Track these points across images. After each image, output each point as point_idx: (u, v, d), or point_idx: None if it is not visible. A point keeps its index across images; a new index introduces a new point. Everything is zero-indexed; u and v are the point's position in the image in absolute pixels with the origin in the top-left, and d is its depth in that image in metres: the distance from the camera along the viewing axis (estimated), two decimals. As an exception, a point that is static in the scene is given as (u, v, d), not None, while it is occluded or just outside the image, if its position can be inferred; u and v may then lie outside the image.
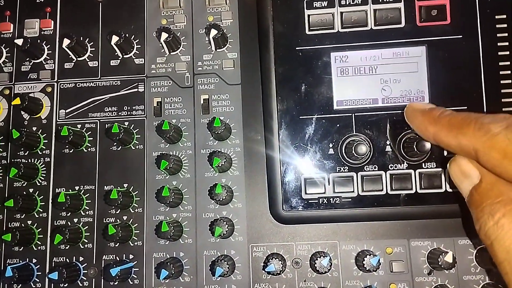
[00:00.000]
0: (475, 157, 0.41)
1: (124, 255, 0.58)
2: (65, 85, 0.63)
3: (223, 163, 0.56)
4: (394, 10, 0.57)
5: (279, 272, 0.55)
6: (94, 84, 0.62)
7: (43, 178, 0.60)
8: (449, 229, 0.56)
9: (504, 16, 0.56)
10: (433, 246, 0.55)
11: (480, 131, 0.40)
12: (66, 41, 0.60)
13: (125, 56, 0.63)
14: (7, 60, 0.64)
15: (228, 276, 0.56)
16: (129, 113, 0.61)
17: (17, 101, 0.59)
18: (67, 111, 0.62)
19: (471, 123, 0.41)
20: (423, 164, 0.55)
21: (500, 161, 0.39)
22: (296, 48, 0.57)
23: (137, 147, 0.60)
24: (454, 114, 0.45)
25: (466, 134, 0.42)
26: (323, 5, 0.57)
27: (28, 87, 0.63)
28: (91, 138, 0.61)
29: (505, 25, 0.55)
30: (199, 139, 0.60)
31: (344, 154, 0.55)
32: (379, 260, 0.53)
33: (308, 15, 0.57)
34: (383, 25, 0.57)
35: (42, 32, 0.64)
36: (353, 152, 0.53)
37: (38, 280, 0.58)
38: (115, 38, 0.59)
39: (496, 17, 0.56)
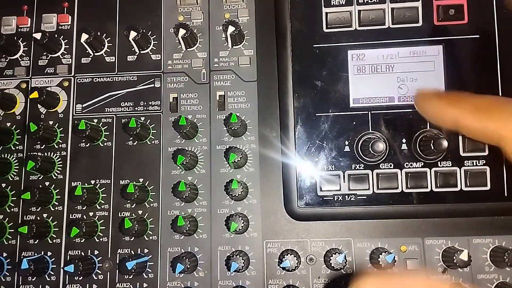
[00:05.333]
0: (498, 143, 0.39)
1: (139, 249, 0.58)
2: (82, 80, 0.63)
3: (239, 159, 0.56)
4: (411, 9, 0.57)
5: (294, 268, 0.55)
6: (111, 79, 0.63)
7: (59, 172, 0.61)
8: (463, 228, 0.56)
9: (522, 16, 0.56)
10: (448, 245, 0.56)
11: (511, 117, 0.38)
12: (84, 36, 0.60)
13: (142, 52, 0.63)
14: (24, 54, 0.64)
15: (242, 271, 0.56)
16: (145, 108, 0.62)
17: (34, 95, 0.59)
18: (83, 105, 0.62)
19: (501, 107, 0.39)
20: (439, 162, 0.55)
21: None
22: (313, 46, 0.58)
23: (152, 142, 0.61)
24: (479, 96, 0.42)
25: (493, 118, 0.39)
26: (341, 3, 0.57)
27: (45, 81, 0.63)
28: (107, 133, 0.61)
29: (522, 25, 0.56)
30: (215, 135, 0.60)
31: (360, 151, 0.55)
32: (394, 257, 0.53)
33: (326, 13, 0.58)
34: (400, 23, 0.57)
35: (60, 27, 0.65)
36: (370, 149, 0.53)
37: (52, 273, 0.59)
38: (133, 34, 0.59)
39: (514, 17, 0.56)
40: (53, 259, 0.59)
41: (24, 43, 0.65)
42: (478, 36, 0.56)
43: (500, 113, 0.39)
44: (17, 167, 0.61)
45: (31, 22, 0.65)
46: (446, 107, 0.44)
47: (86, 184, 0.60)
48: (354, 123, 0.56)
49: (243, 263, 0.55)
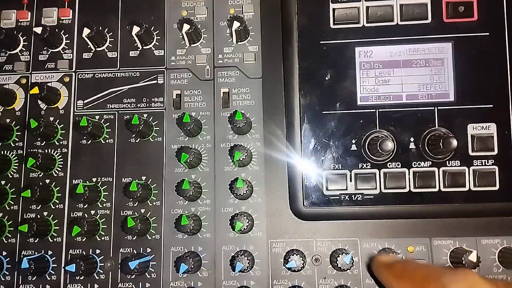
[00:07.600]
0: None
1: (141, 248, 0.57)
2: (83, 76, 0.62)
3: (244, 158, 0.55)
4: (420, 5, 0.56)
5: (299, 268, 0.54)
6: (113, 75, 0.61)
7: (60, 169, 0.60)
8: (471, 228, 0.55)
9: (532, 14, 0.55)
10: (456, 245, 0.55)
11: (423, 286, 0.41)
12: (86, 31, 0.59)
13: (144, 47, 0.62)
14: (24, 49, 0.63)
15: (247, 271, 0.55)
16: (148, 105, 0.61)
17: (35, 90, 0.58)
18: (85, 101, 0.61)
19: (431, 282, 0.42)
20: (447, 162, 0.54)
21: None
22: (320, 42, 0.57)
23: (155, 139, 0.60)
24: (416, 269, 0.46)
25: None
26: (348, -1, 0.56)
27: (45, 76, 0.62)
28: (109, 130, 0.60)
29: (532, 23, 0.55)
30: (219, 132, 0.59)
31: (367, 150, 0.55)
32: (401, 258, 0.53)
33: (333, 9, 0.57)
34: (409, 20, 0.56)
35: (60, 21, 0.63)
36: (378, 148, 0.52)
37: (53, 272, 0.58)
38: (136, 29, 0.58)
39: (524, 14, 0.55)
40: (54, 258, 0.58)
41: (24, 38, 0.63)
42: (488, 33, 0.55)
43: (412, 281, 0.43)
44: (17, 164, 0.60)
45: (31, 16, 0.64)
46: (391, 279, 0.48)
47: (87, 182, 0.59)
48: (361, 121, 0.55)
49: (248, 263, 0.54)
